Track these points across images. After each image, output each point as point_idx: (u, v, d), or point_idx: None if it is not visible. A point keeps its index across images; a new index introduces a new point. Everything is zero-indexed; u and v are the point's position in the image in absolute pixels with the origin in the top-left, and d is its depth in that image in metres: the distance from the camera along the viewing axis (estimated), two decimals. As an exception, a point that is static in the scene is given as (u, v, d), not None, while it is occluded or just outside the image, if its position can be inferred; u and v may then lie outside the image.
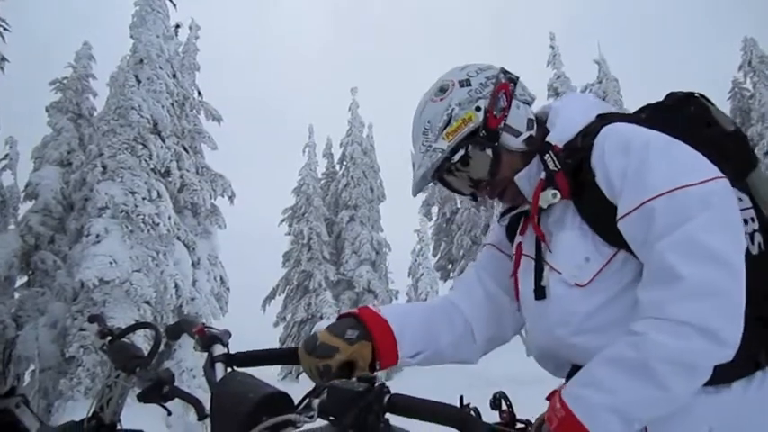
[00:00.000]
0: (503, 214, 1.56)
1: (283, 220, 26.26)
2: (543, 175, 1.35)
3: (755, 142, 20.75)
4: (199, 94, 17.69)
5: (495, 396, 2.60)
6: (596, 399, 1.09)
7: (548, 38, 23.51)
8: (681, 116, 1.35)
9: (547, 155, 1.35)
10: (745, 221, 1.28)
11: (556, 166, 1.33)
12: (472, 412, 1.10)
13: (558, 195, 1.32)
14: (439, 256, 26.32)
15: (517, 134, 1.42)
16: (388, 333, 1.43)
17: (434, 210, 27.31)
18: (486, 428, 0.98)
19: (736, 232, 1.14)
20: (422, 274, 23.93)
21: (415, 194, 1.55)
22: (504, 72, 1.47)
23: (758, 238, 1.29)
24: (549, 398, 1.16)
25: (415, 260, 24.75)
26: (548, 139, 1.39)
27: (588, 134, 1.33)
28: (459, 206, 25.97)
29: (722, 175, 1.17)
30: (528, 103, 1.48)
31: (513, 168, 1.41)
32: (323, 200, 26.21)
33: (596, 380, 1.11)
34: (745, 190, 1.33)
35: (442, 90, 1.45)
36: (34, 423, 2.30)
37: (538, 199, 1.35)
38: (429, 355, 1.51)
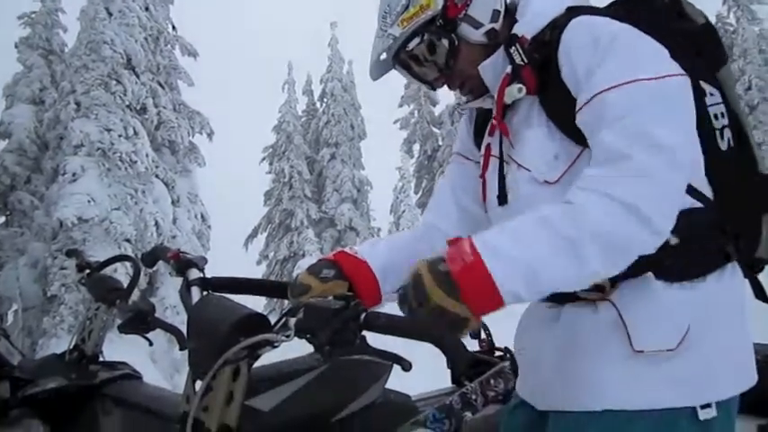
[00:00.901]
0: (460, 105, 1.55)
1: (264, 159, 26.04)
2: (509, 68, 1.31)
3: (737, 78, 20.72)
4: (173, 28, 17.16)
5: (473, 325, 2.66)
6: (513, 252, 1.04)
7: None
8: (653, 8, 1.31)
9: (513, 47, 1.30)
10: (715, 116, 1.27)
11: (522, 60, 1.28)
12: None
13: (524, 90, 1.27)
14: (420, 193, 26.30)
15: (478, 26, 1.36)
16: (367, 273, 1.41)
17: (416, 147, 27.14)
18: (459, 341, 0.98)
19: (686, 129, 1.13)
20: (403, 212, 23.98)
21: (373, 78, 1.50)
22: None
23: (727, 133, 1.28)
24: (452, 241, 1.10)
25: (397, 197, 24.76)
26: (514, 30, 1.33)
27: (557, 27, 1.27)
28: (440, 143, 25.84)
29: (682, 72, 1.16)
30: None
31: (471, 61, 1.36)
32: (303, 138, 25.96)
33: (518, 233, 1.07)
34: (716, 84, 1.30)
35: None
36: (16, 356, 2.31)
37: (503, 94, 1.31)
38: None
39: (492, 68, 1.34)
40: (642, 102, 1.11)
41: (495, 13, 1.37)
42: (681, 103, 1.14)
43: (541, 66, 1.27)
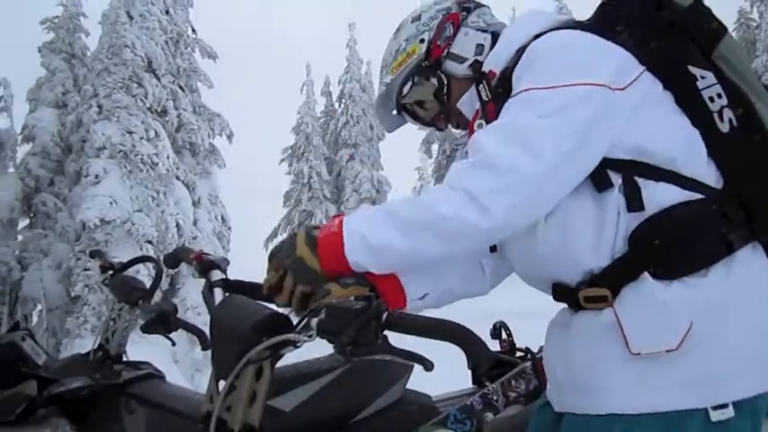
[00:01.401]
0: (459, 140, 1.62)
1: (283, 160, 26.19)
2: (477, 105, 1.37)
3: (761, 74, 20.41)
4: (193, 30, 17.31)
5: (495, 326, 2.64)
6: (361, 228, 1.19)
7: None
8: (628, 5, 1.29)
9: (481, 84, 1.36)
10: (711, 99, 1.21)
11: (487, 96, 1.34)
12: None
13: (485, 125, 1.31)
14: (439, 193, 26.27)
15: (462, 60, 1.44)
16: (392, 279, 1.38)
17: (435, 147, 27.15)
18: (481, 342, 0.98)
19: (570, 143, 1.12)
20: (422, 212, 23.96)
21: (388, 130, 1.71)
22: (462, 3, 1.51)
23: (728, 113, 1.21)
24: (333, 216, 1.29)
25: (416, 198, 24.75)
26: (483, 66, 1.39)
27: (519, 56, 1.28)
28: (459, 143, 25.80)
29: (604, 83, 1.15)
30: (484, 30, 1.47)
31: (463, 93, 1.44)
32: (322, 138, 26.06)
33: (370, 217, 1.22)
34: (707, 66, 1.23)
35: (398, 28, 1.54)
36: (41, 356, 2.33)
37: (473, 130, 1.36)
38: (439, 294, 1.48)
39: (469, 103, 1.42)
40: (526, 105, 1.16)
41: (479, 47, 1.45)
42: (576, 114, 1.14)
43: (506, 97, 1.27)
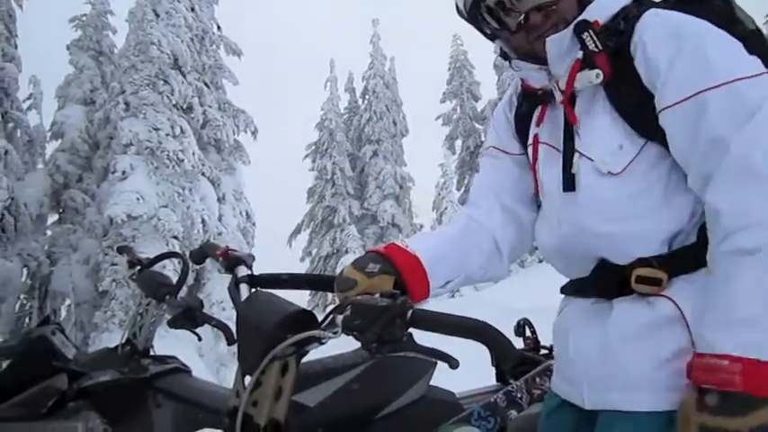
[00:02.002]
0: (517, 59, 1.40)
1: (307, 156, 26.30)
2: (579, 54, 1.25)
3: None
4: (218, 28, 17.45)
5: (519, 323, 2.63)
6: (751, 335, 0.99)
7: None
8: (707, 10, 1.27)
9: (586, 33, 1.25)
10: None
11: (597, 47, 1.24)
12: None
13: (602, 76, 1.23)
14: (463, 189, 26.17)
15: None
16: (417, 267, 1.39)
17: (458, 143, 27.04)
18: (506, 339, 0.97)
19: None
20: (446, 208, 23.90)
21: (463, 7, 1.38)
22: None
23: None
24: (691, 375, 1.06)
25: (439, 194, 24.69)
26: (585, 15, 1.27)
27: (629, 17, 1.24)
28: (483, 139, 25.67)
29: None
30: None
31: (571, 7, 1.30)
32: (346, 135, 26.11)
33: (751, 317, 1.00)
34: None
35: None
36: (71, 349, 2.38)
37: (573, 80, 1.26)
38: (460, 280, 1.49)
39: (558, 46, 1.29)
40: (752, 102, 1.08)
41: None
42: None
43: (613, 54, 1.24)
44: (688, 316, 1.15)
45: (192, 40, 15.40)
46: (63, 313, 14.51)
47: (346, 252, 22.79)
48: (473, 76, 26.86)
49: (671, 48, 1.17)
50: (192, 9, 15.83)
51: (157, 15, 14.73)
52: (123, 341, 2.39)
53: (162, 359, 2.38)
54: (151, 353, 2.40)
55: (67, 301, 14.29)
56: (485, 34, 1.41)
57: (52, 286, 14.24)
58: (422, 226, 25.69)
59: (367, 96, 26.44)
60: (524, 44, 1.35)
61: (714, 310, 1.04)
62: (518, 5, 1.29)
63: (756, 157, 1.04)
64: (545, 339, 2.50)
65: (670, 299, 1.18)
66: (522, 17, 1.30)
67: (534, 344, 2.63)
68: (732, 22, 1.26)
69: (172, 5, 14.86)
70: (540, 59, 1.34)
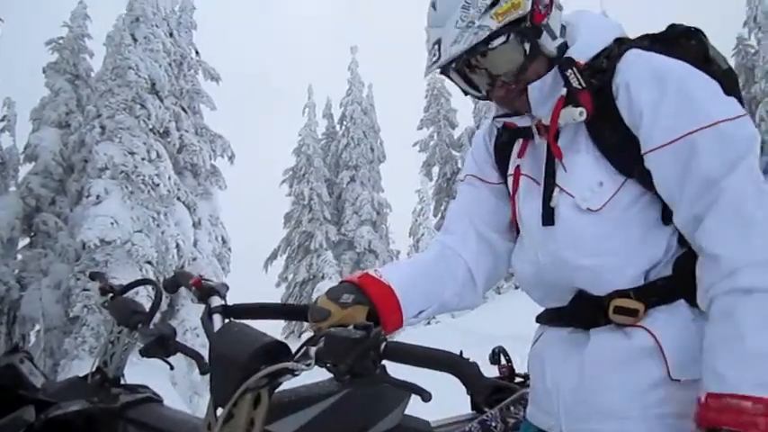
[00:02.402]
0: (497, 117, 1.45)
1: (284, 181, 26.24)
2: (563, 91, 1.28)
3: (759, 99, 20.51)
4: (196, 53, 17.49)
5: (494, 351, 2.63)
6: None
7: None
8: (682, 50, 1.31)
9: (569, 70, 1.27)
10: None
11: (580, 84, 1.26)
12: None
13: (585, 114, 1.25)
14: (440, 216, 26.23)
15: (554, 37, 1.31)
16: (391, 297, 1.38)
17: (435, 170, 27.17)
18: (477, 371, 0.98)
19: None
20: (423, 234, 23.93)
21: (427, 75, 1.40)
22: None
23: None
24: (702, 416, 1.06)
25: (416, 220, 24.73)
26: (569, 53, 1.30)
27: (611, 57, 1.28)
28: (460, 166, 25.85)
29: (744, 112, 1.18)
30: (560, 9, 1.37)
31: (537, 73, 1.32)
32: (323, 160, 26.14)
33: (760, 353, 1.03)
34: None
35: None
36: (39, 378, 2.33)
37: (557, 116, 1.28)
38: (434, 309, 1.49)
39: (540, 89, 1.31)
40: (740, 144, 1.13)
41: (563, 28, 1.35)
42: (757, 141, 1.15)
43: (596, 92, 1.27)
44: (665, 347, 1.18)
45: (170, 64, 15.39)
46: (32, 339, 14.20)
47: (322, 278, 22.66)
48: (450, 104, 27.11)
49: (654, 91, 1.20)
50: (171, 34, 15.85)
51: (135, 40, 14.72)
52: (93, 369, 2.35)
53: (133, 388, 2.33)
54: (122, 381, 2.35)
55: (37, 327, 13.99)
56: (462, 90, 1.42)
57: (21, 311, 13.95)
58: (399, 252, 25.70)
59: (345, 122, 26.54)
60: (500, 100, 1.38)
61: (722, 348, 1.06)
62: (485, 76, 1.32)
63: (748, 203, 1.09)
64: (521, 367, 2.51)
65: (647, 329, 1.21)
66: (488, 85, 1.33)
67: (509, 372, 2.63)
68: (707, 61, 1.30)
69: (150, 30, 14.86)
70: (518, 111, 1.37)
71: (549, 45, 1.31)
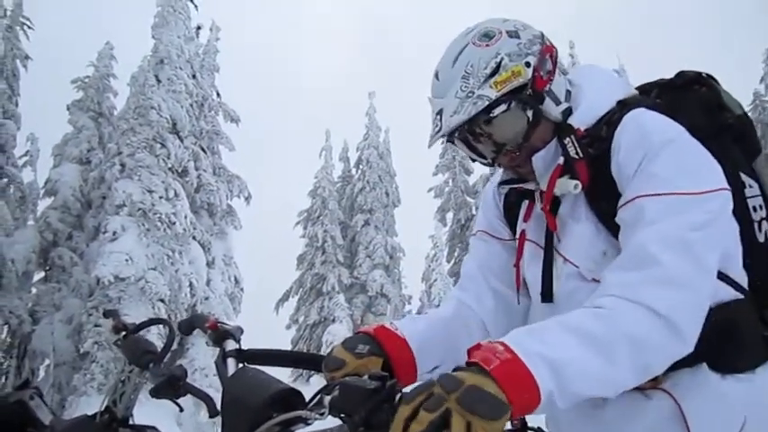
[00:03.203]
0: (502, 183, 1.46)
1: (298, 223, 26.34)
2: (561, 160, 1.27)
3: (776, 155, 20.47)
4: (218, 95, 17.81)
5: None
6: (547, 353, 0.99)
7: (567, 46, 23.38)
8: (693, 97, 1.32)
9: (567, 139, 1.27)
10: (754, 209, 1.27)
11: (577, 154, 1.25)
12: None
13: (580, 187, 1.25)
14: (453, 262, 26.16)
15: (558, 102, 1.31)
16: (405, 351, 1.37)
17: (449, 216, 27.19)
18: None
19: (718, 243, 1.14)
20: (435, 280, 23.82)
21: (431, 145, 1.39)
22: (545, 37, 1.36)
23: (765, 226, 1.28)
24: (473, 348, 1.02)
25: (429, 266, 24.65)
26: (571, 120, 1.30)
27: (611, 123, 1.27)
28: (474, 213, 25.87)
29: (725, 187, 1.17)
30: (564, 74, 1.38)
31: (543, 139, 1.31)
32: (338, 203, 26.26)
33: (550, 341, 1.02)
34: (754, 176, 1.30)
35: (488, 36, 1.30)
36: (47, 415, 2.31)
37: (553, 185, 1.28)
38: (448, 366, 1.44)
39: (543, 158, 1.31)
40: (681, 210, 1.12)
41: (568, 93, 1.35)
42: (720, 216, 1.14)
43: (593, 160, 1.26)
44: (687, 414, 1.17)
45: (191, 105, 15.67)
46: (41, 373, 14.14)
47: (333, 321, 22.52)
48: (466, 151, 27.25)
49: (638, 154, 1.20)
50: (194, 76, 16.18)
51: (159, 81, 15.03)
52: (102, 408, 2.33)
53: (141, 429, 2.31)
54: (131, 422, 2.33)
55: (47, 361, 13.94)
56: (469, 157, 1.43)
57: (32, 345, 13.93)
58: (411, 297, 25.55)
59: (361, 166, 26.75)
60: (506, 167, 1.40)
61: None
62: (489, 144, 1.33)
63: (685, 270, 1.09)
64: (535, 421, 2.46)
65: (668, 392, 1.19)
66: (493, 153, 1.34)
67: (521, 425, 2.58)
68: (719, 108, 1.31)
69: (174, 72, 15.19)
70: (524, 178, 1.38)
71: (553, 110, 1.31)
